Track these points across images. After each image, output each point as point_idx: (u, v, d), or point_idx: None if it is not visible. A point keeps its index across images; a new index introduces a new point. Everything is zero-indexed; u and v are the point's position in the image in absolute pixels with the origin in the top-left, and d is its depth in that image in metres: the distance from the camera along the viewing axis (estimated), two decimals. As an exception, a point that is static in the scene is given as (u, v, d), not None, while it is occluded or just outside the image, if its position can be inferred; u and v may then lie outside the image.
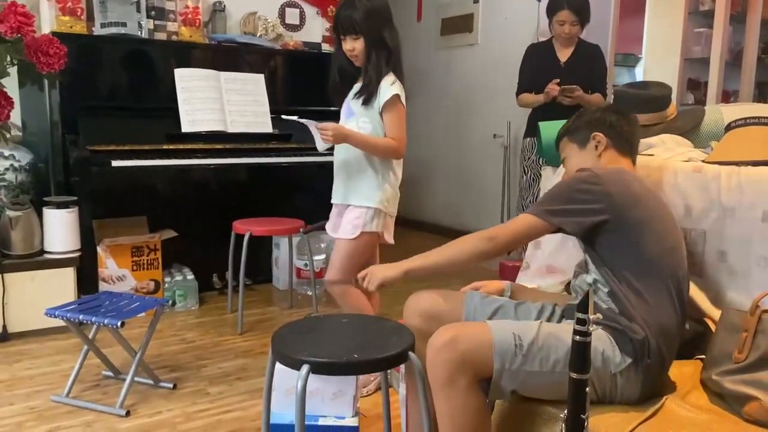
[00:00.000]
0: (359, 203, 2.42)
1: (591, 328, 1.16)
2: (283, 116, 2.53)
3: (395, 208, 2.49)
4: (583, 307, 1.16)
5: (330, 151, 2.51)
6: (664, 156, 2.11)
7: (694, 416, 1.47)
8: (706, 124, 2.30)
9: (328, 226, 2.59)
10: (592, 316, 1.15)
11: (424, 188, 5.91)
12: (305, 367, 1.53)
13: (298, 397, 1.53)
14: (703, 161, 2.02)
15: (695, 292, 1.89)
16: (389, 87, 2.33)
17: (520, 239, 1.65)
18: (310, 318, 1.85)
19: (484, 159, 5.33)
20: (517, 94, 3.80)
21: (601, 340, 1.48)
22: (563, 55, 3.68)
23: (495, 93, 5.08)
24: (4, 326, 2.97)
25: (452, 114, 5.61)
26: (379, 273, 1.71)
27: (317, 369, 1.54)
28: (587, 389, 1.17)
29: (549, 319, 1.72)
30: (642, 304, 1.52)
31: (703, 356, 1.75)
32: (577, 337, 1.16)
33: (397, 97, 2.33)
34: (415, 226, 5.74)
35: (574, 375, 1.17)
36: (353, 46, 2.32)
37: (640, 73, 4.51)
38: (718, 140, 2.16)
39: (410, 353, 1.60)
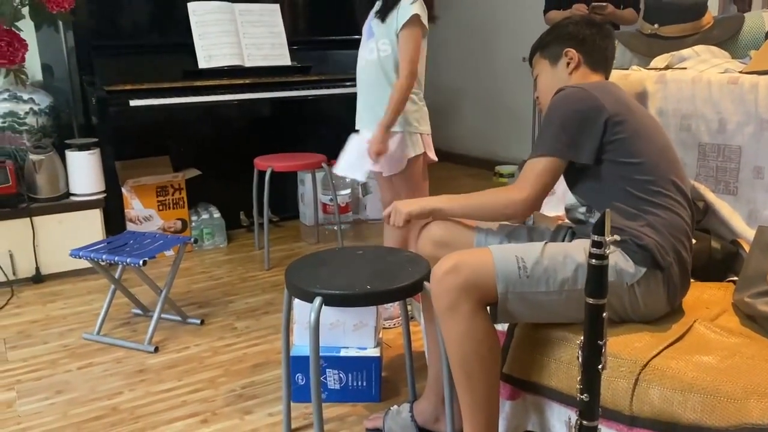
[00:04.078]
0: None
1: (608, 251, 1.09)
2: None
3: (428, 125, 2.42)
4: (599, 228, 1.08)
5: (350, 84, 2.42)
6: (699, 69, 1.97)
7: (724, 339, 1.41)
8: (746, 31, 2.14)
9: None
10: (608, 238, 1.08)
11: (451, 117, 5.76)
12: (318, 300, 1.50)
13: (311, 328, 1.51)
14: (740, 72, 1.88)
15: (728, 212, 1.79)
16: (409, 6, 2.22)
17: (549, 186, 1.52)
18: (324, 251, 1.81)
19: (513, 83, 5.14)
20: (545, 11, 3.61)
21: (612, 254, 1.41)
22: (593, -33, 3.45)
23: (523, 12, 4.84)
24: (38, 268, 3.04)
25: (478, 37, 5.40)
26: (404, 209, 1.64)
27: (330, 301, 1.52)
28: (604, 314, 1.11)
29: (563, 241, 1.65)
30: (645, 212, 1.45)
31: (736, 278, 1.67)
32: (593, 260, 1.10)
33: (416, 18, 2.22)
34: (443, 157, 5.59)
35: (590, 300, 1.11)
36: None
37: (677, -15, 4.24)
38: (758, 49, 2.00)
39: (425, 283, 1.56)
